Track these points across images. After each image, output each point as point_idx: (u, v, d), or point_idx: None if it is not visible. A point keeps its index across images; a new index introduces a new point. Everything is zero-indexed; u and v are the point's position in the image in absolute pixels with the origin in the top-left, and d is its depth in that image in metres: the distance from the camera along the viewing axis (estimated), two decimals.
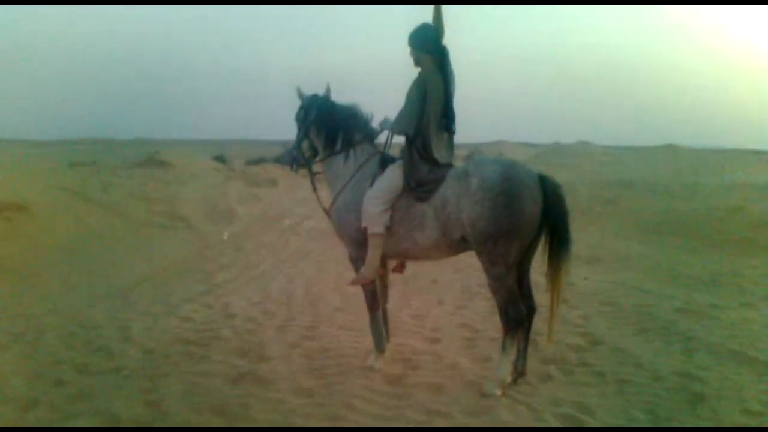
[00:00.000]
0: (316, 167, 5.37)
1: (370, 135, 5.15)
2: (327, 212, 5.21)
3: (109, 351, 5.61)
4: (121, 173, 20.04)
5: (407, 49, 4.74)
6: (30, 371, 5.11)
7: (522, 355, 4.70)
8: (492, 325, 6.20)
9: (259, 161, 37.63)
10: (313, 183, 5.38)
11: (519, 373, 4.70)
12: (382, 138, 5.19)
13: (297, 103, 5.31)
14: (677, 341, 5.66)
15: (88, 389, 4.72)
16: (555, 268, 4.47)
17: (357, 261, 5.00)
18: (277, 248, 11.78)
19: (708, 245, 10.33)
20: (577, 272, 8.24)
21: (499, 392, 4.48)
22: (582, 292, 7.51)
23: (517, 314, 4.48)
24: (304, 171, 5.50)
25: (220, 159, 33.80)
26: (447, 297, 7.40)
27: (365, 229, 4.73)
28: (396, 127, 4.75)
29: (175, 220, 14.57)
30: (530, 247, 4.54)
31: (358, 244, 4.91)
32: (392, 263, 5.30)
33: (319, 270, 9.42)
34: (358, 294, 7.49)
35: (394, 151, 5.09)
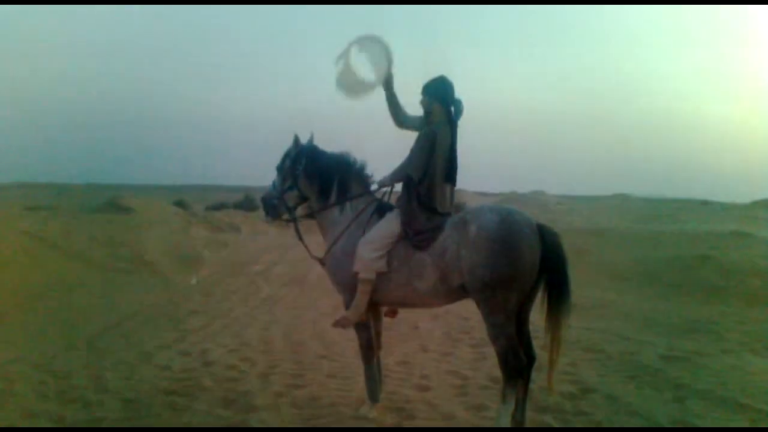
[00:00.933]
0: (300, 215, 5.31)
1: (366, 182, 5.09)
2: (320, 261, 5.11)
3: (85, 401, 5.34)
4: (83, 218, 19.59)
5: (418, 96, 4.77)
6: (2, 424, 4.82)
7: (521, 405, 4.60)
8: (481, 372, 6.13)
9: (219, 207, 37.33)
10: (299, 232, 5.27)
11: (517, 423, 4.59)
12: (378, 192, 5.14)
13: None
14: (667, 389, 5.64)
15: None
16: (554, 318, 4.43)
17: None
18: (248, 294, 11.54)
19: (680, 293, 10.45)
20: None
21: None
22: (565, 338, 7.47)
23: (517, 363, 4.40)
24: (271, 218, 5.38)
25: (180, 204, 33.46)
26: (430, 344, 7.29)
27: (356, 274, 4.65)
28: (401, 172, 4.71)
29: (139, 266, 14.21)
30: (529, 297, 4.50)
31: (354, 290, 4.79)
32: (384, 308, 5.19)
33: (295, 317, 9.23)
34: (340, 341, 7.38)
35: (392, 200, 5.05)
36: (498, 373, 5.97)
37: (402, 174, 4.72)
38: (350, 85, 4.83)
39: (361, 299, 4.66)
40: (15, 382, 5.85)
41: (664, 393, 5.53)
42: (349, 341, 7.39)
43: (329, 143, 5.25)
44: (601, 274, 12.33)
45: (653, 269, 11.93)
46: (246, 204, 37.39)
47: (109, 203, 25.18)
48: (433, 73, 4.80)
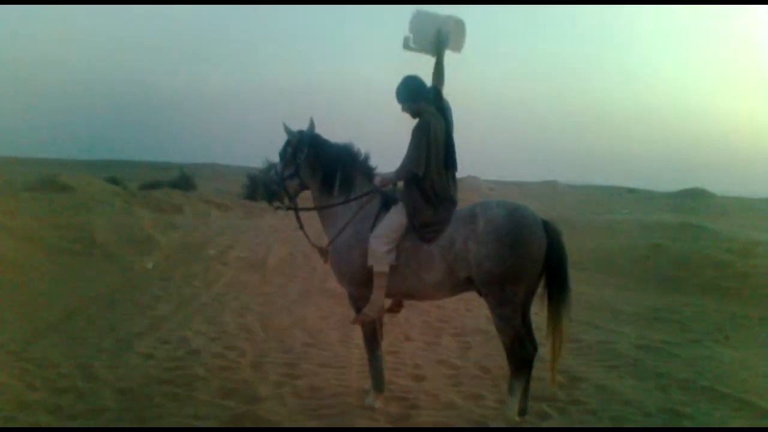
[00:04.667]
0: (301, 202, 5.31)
1: (369, 174, 5.09)
2: (321, 250, 5.11)
3: (78, 391, 5.20)
4: (22, 197, 18.83)
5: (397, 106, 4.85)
6: None
7: (524, 394, 4.74)
8: (469, 361, 6.26)
9: (155, 185, 36.15)
10: (299, 221, 5.25)
11: (520, 411, 4.73)
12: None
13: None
14: (648, 378, 5.89)
15: None
16: (556, 312, 4.59)
17: (358, 300, 4.92)
18: (209, 280, 11.31)
19: (636, 283, 10.86)
20: None
21: None
22: (537, 327, 7.67)
23: (524, 354, 4.55)
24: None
25: (114, 182, 32.34)
26: (412, 332, 7.35)
27: (370, 268, 4.67)
28: (404, 169, 4.70)
29: (90, 248, 13.70)
30: (532, 289, 4.64)
31: (360, 283, 4.83)
32: (387, 303, 5.22)
33: (266, 303, 9.14)
34: (324, 329, 7.40)
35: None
36: (487, 362, 6.20)
37: (405, 172, 4.70)
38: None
39: (379, 293, 4.69)
40: None
41: (646, 382, 5.79)
42: (332, 329, 7.43)
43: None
44: None
45: (609, 259, 12.33)
46: (183, 183, 36.21)
47: (45, 180, 24.25)
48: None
